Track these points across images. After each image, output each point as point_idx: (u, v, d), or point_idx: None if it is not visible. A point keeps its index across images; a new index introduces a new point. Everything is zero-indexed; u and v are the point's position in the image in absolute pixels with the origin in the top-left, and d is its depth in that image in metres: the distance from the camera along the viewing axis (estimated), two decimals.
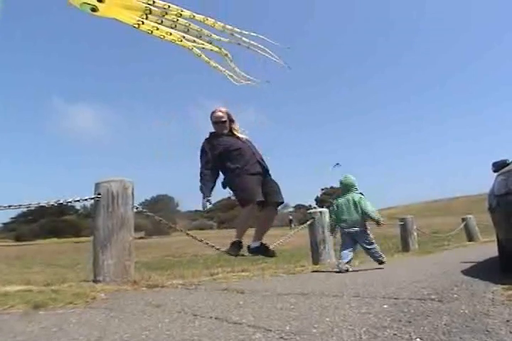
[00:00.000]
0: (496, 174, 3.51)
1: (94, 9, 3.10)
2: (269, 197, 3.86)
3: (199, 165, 4.00)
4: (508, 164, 3.70)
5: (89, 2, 3.03)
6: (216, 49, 3.59)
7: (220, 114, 4.07)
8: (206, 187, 3.86)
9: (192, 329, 1.78)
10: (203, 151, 4.03)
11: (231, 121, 4.12)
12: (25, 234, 47.73)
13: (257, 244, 3.93)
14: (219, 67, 3.63)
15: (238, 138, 4.09)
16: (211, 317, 2.00)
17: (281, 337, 1.59)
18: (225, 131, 4.08)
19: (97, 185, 3.53)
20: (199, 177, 3.92)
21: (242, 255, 4.00)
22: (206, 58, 3.52)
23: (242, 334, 1.67)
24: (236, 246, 3.88)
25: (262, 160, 4.06)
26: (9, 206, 3.13)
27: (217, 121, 4.08)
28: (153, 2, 3.23)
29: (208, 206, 3.85)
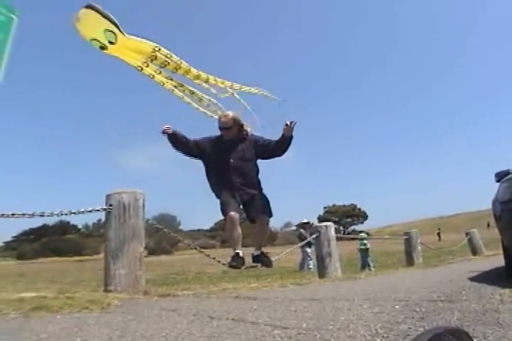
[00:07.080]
0: (499, 182, 3.57)
1: (103, 47, 3.34)
2: (257, 215, 4.09)
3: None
4: (511, 173, 3.75)
5: (100, 40, 3.25)
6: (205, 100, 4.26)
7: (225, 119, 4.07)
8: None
9: (211, 329, 1.82)
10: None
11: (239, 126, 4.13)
12: (27, 253, 47.48)
13: (257, 252, 4.23)
14: (200, 108, 4.27)
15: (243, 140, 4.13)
16: (228, 319, 2.04)
17: (300, 333, 1.64)
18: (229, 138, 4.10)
19: (109, 197, 3.58)
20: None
21: (246, 267, 4.12)
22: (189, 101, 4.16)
23: (261, 331, 1.71)
24: (237, 259, 3.97)
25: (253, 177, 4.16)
26: (12, 214, 3.08)
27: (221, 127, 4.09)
28: (159, 49, 3.53)
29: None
